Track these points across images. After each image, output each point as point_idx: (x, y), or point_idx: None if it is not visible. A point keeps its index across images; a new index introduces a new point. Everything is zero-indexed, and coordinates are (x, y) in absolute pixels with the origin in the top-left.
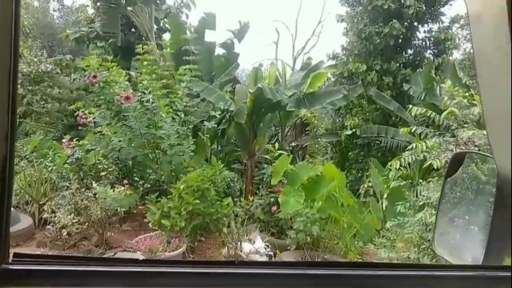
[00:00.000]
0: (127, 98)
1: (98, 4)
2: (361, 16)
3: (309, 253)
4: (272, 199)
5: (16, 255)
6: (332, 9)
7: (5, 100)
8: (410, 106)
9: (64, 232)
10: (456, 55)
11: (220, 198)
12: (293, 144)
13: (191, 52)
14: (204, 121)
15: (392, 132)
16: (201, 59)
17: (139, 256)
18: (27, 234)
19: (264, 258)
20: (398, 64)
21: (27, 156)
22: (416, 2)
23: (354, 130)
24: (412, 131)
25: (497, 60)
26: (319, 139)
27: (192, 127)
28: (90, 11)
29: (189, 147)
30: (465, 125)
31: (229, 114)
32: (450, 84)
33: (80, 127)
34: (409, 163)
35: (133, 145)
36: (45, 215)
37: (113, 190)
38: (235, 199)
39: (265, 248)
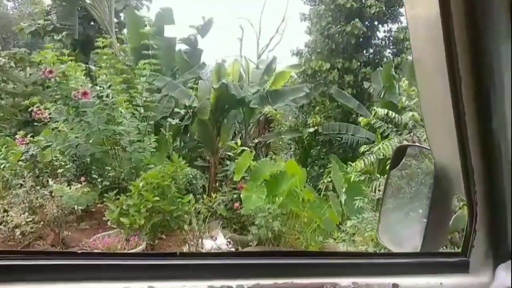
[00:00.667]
0: (85, 93)
1: None
2: (324, 15)
3: (270, 249)
4: (235, 196)
5: None
6: (295, 7)
7: None
8: (374, 107)
9: (17, 231)
10: None
11: (181, 195)
12: (256, 140)
13: (150, 46)
14: (167, 118)
15: (353, 129)
16: (161, 55)
17: None
18: None
19: None
20: (359, 63)
21: None
22: (377, 2)
23: (316, 127)
24: (372, 123)
25: (432, 57)
26: (282, 136)
27: (154, 124)
28: (46, 2)
29: (150, 143)
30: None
31: (192, 110)
32: (408, 83)
33: (36, 123)
34: (371, 162)
35: (91, 141)
36: None
37: (70, 188)
38: (198, 196)
39: (227, 245)
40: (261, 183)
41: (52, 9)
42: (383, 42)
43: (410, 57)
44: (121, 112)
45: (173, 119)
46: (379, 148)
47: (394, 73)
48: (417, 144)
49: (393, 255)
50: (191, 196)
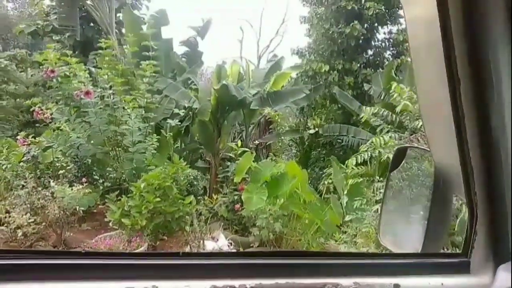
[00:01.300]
0: (87, 93)
1: None
2: (324, 17)
3: (272, 250)
4: (236, 197)
5: None
6: (295, 9)
7: None
8: (364, 106)
9: (19, 232)
10: None
11: (182, 196)
12: (257, 142)
13: (150, 47)
14: (167, 119)
15: (353, 130)
16: (159, 56)
17: None
18: None
19: None
20: (359, 64)
21: None
22: (376, 4)
23: (316, 129)
24: (370, 121)
25: (431, 59)
26: (282, 137)
27: (154, 125)
28: (46, 3)
29: (152, 144)
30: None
31: (192, 111)
32: (397, 85)
33: (37, 124)
34: (364, 160)
35: (92, 142)
36: None
37: (72, 189)
38: (199, 197)
39: (228, 246)
40: (262, 184)
41: (52, 10)
42: (383, 44)
43: (409, 59)
44: (123, 112)
45: (174, 120)
46: (372, 142)
47: (394, 74)
48: (415, 145)
49: (395, 256)
50: (192, 197)
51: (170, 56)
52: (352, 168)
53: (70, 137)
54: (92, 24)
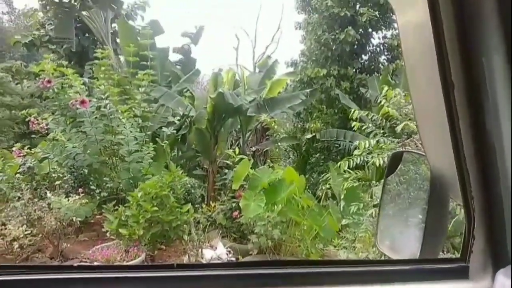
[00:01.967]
0: (83, 102)
1: (48, 8)
2: (318, 24)
3: (271, 257)
4: (233, 204)
5: None
6: (290, 16)
7: None
8: (352, 109)
9: (16, 244)
10: None
11: (179, 205)
12: (254, 148)
13: (148, 57)
14: (163, 127)
15: (350, 135)
16: (155, 65)
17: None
18: None
19: None
20: (354, 70)
21: None
22: (369, 9)
23: (313, 134)
24: (362, 128)
25: (424, 63)
26: (279, 144)
27: (151, 134)
28: (41, 15)
29: (148, 153)
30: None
31: (189, 119)
32: (387, 88)
33: (33, 135)
34: (357, 164)
35: (88, 152)
36: None
37: (68, 200)
38: (197, 206)
39: (227, 254)
40: (259, 191)
41: (47, 21)
42: (378, 49)
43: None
44: (119, 122)
45: (170, 128)
46: (359, 143)
47: (390, 79)
48: (409, 149)
49: (393, 262)
50: (189, 205)
51: (166, 65)
52: (349, 172)
53: (66, 147)
54: (87, 35)
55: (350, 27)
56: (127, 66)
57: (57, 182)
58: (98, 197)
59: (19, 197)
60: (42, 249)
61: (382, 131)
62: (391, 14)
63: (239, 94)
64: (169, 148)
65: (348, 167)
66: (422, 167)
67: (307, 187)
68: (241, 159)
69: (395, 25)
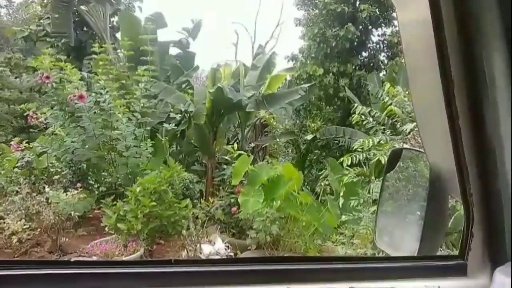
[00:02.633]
0: (81, 96)
1: (45, 1)
2: (318, 20)
3: (269, 253)
4: (232, 200)
5: None
6: (289, 12)
7: None
8: (355, 104)
9: (14, 239)
10: None
11: (178, 200)
12: (253, 144)
13: (148, 52)
14: (163, 123)
15: (350, 132)
16: (155, 60)
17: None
18: None
19: None
20: (354, 66)
21: None
22: (369, 6)
23: (314, 135)
24: (363, 123)
25: (424, 61)
26: (278, 140)
27: (150, 129)
28: (39, 8)
29: (146, 149)
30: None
31: (188, 115)
32: (390, 86)
33: (31, 129)
34: (360, 160)
35: (87, 146)
36: None
37: (66, 194)
38: (195, 201)
39: (226, 249)
40: (258, 187)
41: (45, 14)
42: (378, 46)
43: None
44: (117, 117)
45: (169, 124)
46: (362, 142)
47: (394, 75)
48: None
49: (391, 259)
50: (188, 200)
51: (166, 59)
52: (347, 168)
53: (65, 141)
54: (86, 29)
55: (350, 24)
56: (127, 61)
57: (56, 177)
58: (96, 192)
59: (17, 191)
60: (40, 243)
61: (382, 127)
62: (391, 10)
63: (238, 90)
64: (168, 143)
65: (351, 163)
66: (421, 164)
67: (306, 184)
68: (240, 154)
69: (395, 22)
